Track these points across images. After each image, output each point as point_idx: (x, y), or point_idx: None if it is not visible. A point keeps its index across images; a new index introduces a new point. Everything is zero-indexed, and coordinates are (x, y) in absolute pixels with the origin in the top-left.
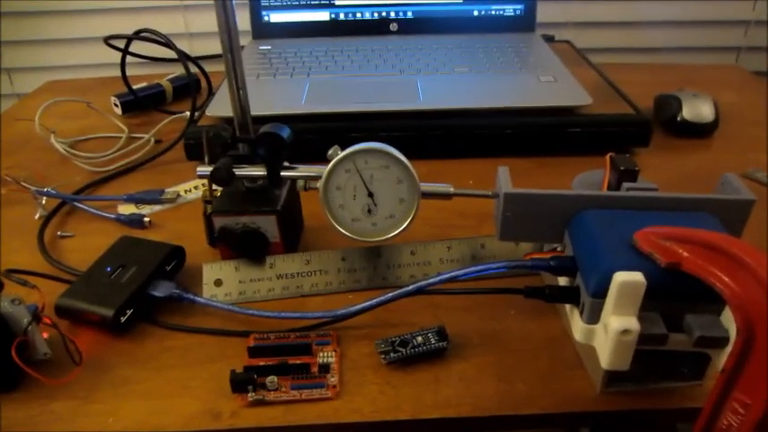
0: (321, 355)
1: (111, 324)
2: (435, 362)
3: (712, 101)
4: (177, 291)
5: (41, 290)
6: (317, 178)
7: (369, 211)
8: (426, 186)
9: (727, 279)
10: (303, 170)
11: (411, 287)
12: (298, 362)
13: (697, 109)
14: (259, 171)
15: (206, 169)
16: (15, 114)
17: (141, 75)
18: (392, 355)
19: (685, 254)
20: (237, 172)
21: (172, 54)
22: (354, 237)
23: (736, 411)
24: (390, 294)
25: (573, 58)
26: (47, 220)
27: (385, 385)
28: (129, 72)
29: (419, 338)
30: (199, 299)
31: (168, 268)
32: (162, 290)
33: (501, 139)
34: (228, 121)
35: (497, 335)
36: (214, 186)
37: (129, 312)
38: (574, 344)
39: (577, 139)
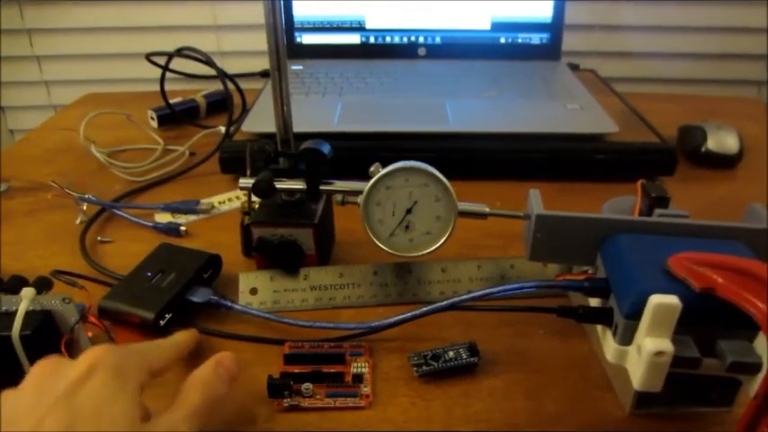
0: (354, 365)
1: (152, 326)
2: (465, 377)
3: (737, 132)
4: (215, 297)
5: (88, 291)
6: (355, 193)
7: (406, 227)
8: (463, 205)
9: (761, 305)
10: (340, 185)
11: (445, 303)
12: (332, 370)
13: (722, 140)
14: (298, 185)
15: (248, 181)
16: (56, 123)
17: (170, 90)
18: (424, 368)
19: (720, 279)
20: (277, 185)
21: (208, 71)
22: (391, 251)
23: None
24: (425, 309)
25: (597, 86)
26: (88, 225)
27: (416, 397)
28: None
29: (450, 353)
30: (236, 306)
31: (205, 276)
32: (200, 296)
33: (528, 163)
34: (264, 136)
35: (526, 353)
36: (253, 198)
37: (168, 316)
38: (602, 365)
39: (603, 166)
